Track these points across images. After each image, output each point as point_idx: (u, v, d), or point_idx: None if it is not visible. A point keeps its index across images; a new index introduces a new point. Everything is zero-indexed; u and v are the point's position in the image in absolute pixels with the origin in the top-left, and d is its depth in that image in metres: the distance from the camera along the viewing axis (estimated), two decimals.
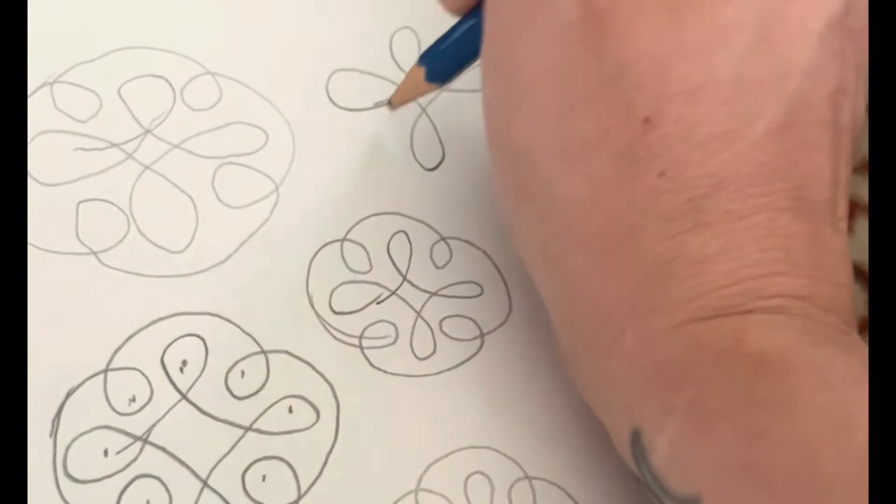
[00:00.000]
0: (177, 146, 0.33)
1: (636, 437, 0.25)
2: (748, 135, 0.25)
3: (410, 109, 0.35)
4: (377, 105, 0.35)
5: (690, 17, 0.25)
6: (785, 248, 0.25)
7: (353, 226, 0.33)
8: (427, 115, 0.35)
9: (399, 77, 0.35)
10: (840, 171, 0.26)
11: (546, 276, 0.28)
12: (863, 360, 0.24)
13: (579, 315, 0.27)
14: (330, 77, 0.35)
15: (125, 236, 0.31)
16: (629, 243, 0.25)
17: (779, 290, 0.25)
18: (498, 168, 0.28)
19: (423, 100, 0.35)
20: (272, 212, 0.33)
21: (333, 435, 0.30)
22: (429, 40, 0.36)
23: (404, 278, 0.32)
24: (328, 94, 0.35)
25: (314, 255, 0.32)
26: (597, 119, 0.25)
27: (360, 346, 0.31)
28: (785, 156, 0.25)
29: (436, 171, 0.34)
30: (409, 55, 0.36)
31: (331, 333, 0.31)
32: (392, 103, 0.34)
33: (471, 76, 0.32)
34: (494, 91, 0.28)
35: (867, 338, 0.24)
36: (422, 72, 0.32)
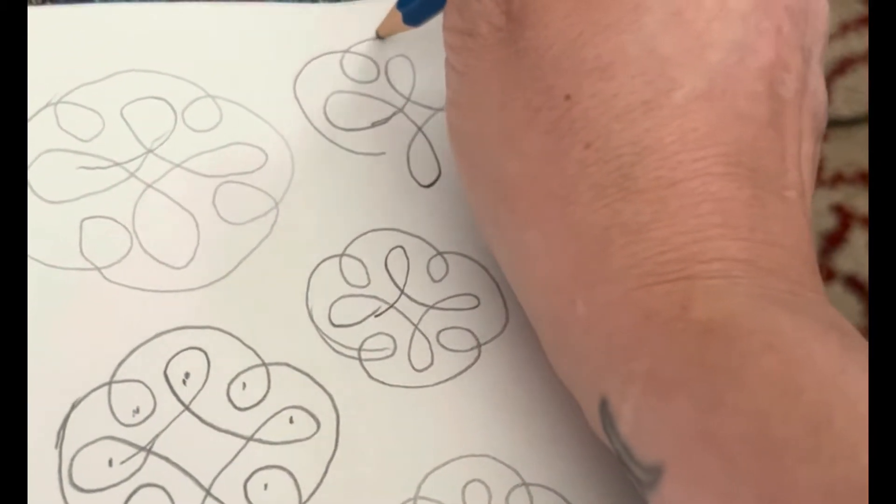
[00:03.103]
0: (178, 165, 0.34)
1: (604, 407, 0.26)
2: (666, 104, 0.26)
3: (406, 129, 0.36)
4: (374, 125, 0.36)
5: (600, 1, 0.27)
6: (721, 212, 0.26)
7: (352, 241, 0.33)
8: (423, 133, 0.36)
9: (393, 99, 0.36)
10: (785, 142, 0.27)
11: (500, 252, 0.30)
12: (816, 318, 0.24)
13: (533, 287, 0.28)
14: (328, 99, 0.36)
15: (128, 252, 0.32)
16: (565, 214, 0.27)
17: (717, 253, 0.25)
18: (457, 156, 0.31)
19: (419, 119, 0.36)
20: (272, 228, 0.33)
21: (333, 444, 0.30)
22: (422, 67, 0.37)
23: (402, 292, 0.33)
24: (326, 114, 0.36)
25: (313, 270, 0.33)
26: (526, 101, 0.27)
27: (359, 358, 0.32)
28: (713, 123, 0.26)
29: (432, 188, 0.35)
30: (405, 79, 0.37)
31: (330, 346, 0.32)
32: (379, 34, 0.38)
33: None
34: (451, 90, 0.30)
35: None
36: (399, 16, 0.36)
